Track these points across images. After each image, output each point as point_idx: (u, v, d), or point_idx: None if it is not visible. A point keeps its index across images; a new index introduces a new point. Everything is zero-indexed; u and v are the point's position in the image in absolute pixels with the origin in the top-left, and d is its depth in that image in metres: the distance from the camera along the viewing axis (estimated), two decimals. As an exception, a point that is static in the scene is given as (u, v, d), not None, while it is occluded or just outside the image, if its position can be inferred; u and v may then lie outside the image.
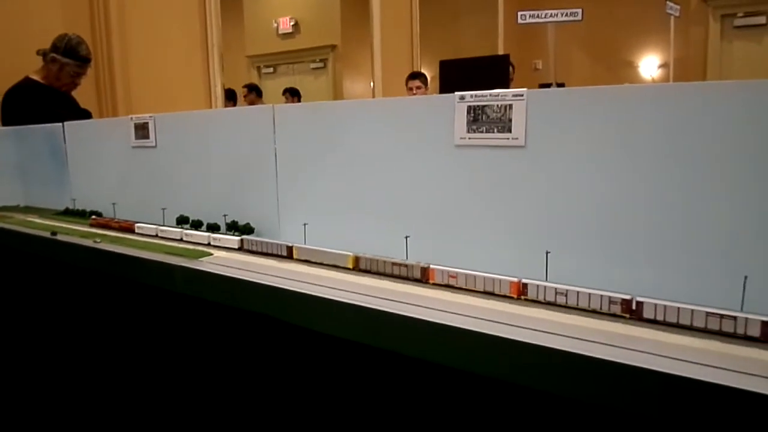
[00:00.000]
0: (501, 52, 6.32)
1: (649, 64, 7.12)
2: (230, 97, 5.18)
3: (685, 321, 0.68)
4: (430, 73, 6.16)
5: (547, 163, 0.88)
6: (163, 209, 1.44)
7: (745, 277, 0.68)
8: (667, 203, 0.78)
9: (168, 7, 3.84)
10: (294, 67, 6.82)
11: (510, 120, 0.90)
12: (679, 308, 0.68)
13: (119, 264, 1.24)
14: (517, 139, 0.90)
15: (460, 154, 0.97)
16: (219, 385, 1.19)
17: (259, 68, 6.95)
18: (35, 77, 2.59)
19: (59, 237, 1.43)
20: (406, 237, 1.00)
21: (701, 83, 0.76)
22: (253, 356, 1.11)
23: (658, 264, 0.79)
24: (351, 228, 1.14)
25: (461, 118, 0.96)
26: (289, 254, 1.09)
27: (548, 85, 4.85)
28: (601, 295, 0.73)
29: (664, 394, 0.56)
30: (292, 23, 6.54)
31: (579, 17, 4.43)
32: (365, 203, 1.12)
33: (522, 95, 0.89)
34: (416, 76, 4.51)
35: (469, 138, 0.95)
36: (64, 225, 1.59)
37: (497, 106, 0.92)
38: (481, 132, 0.94)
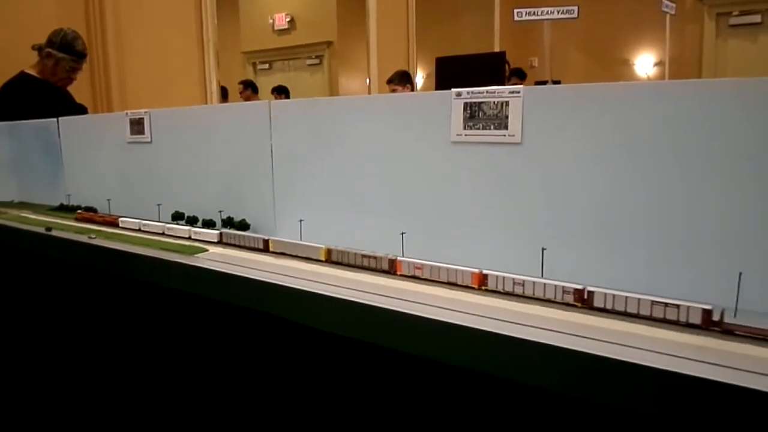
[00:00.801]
0: (497, 49, 6.32)
1: (645, 63, 7.14)
2: (223, 95, 5.16)
3: (632, 309, 0.71)
4: (426, 70, 6.16)
5: (543, 160, 0.88)
6: (159, 205, 1.43)
7: (740, 274, 0.69)
8: (662, 200, 0.78)
9: (164, 2, 3.82)
10: (290, 64, 6.80)
11: (506, 117, 0.90)
12: (626, 297, 0.72)
13: (114, 260, 1.24)
14: (513, 136, 0.90)
15: (457, 150, 0.97)
16: (207, 376, 1.19)
17: (254, 64, 6.93)
18: (31, 72, 2.58)
19: (54, 233, 1.43)
20: (402, 233, 1.00)
21: (696, 81, 0.77)
22: (240, 348, 1.11)
23: (654, 260, 0.80)
24: (347, 224, 1.14)
25: (458, 114, 0.96)
26: (265, 247, 1.13)
27: (544, 83, 4.86)
28: (555, 285, 0.77)
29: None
30: (288, 19, 6.52)
31: (575, 15, 4.44)
32: (361, 199, 1.12)
33: (518, 92, 0.89)
34: (390, 80, 4.22)
35: (466, 135, 0.95)
36: (58, 221, 1.58)
37: (494, 102, 0.92)
38: (478, 129, 0.94)
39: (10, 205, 2.00)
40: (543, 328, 0.68)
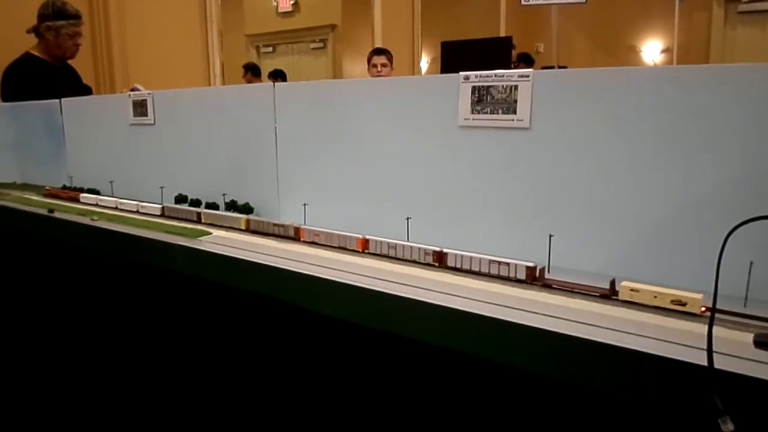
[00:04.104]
0: (502, 34, 6.26)
1: (652, 49, 7.06)
2: (255, 73, 5.20)
3: (475, 268, 0.84)
4: (431, 54, 6.10)
5: (552, 145, 0.87)
6: (162, 188, 1.43)
7: (751, 263, 0.68)
8: (671, 185, 0.77)
9: (167, -18, 3.78)
10: (293, 47, 6.74)
11: (515, 101, 0.89)
12: (471, 257, 0.84)
13: (115, 242, 1.24)
14: (522, 120, 0.89)
15: (464, 135, 0.96)
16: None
17: (258, 47, 6.87)
18: (35, 52, 2.54)
19: (56, 215, 1.42)
20: (408, 218, 0.99)
21: (705, 66, 0.75)
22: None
23: (663, 247, 0.79)
24: (353, 209, 1.13)
25: (465, 98, 0.94)
26: (198, 219, 1.27)
27: (550, 68, 4.80)
28: (419, 248, 0.90)
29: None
30: (292, 2, 6.45)
31: (583, -1, 4.38)
32: (367, 183, 1.11)
33: (528, 76, 0.88)
34: (381, 51, 4.13)
35: (473, 119, 0.94)
36: (61, 203, 1.58)
37: (502, 86, 0.90)
38: (486, 113, 0.93)
39: (12, 186, 1.99)
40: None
